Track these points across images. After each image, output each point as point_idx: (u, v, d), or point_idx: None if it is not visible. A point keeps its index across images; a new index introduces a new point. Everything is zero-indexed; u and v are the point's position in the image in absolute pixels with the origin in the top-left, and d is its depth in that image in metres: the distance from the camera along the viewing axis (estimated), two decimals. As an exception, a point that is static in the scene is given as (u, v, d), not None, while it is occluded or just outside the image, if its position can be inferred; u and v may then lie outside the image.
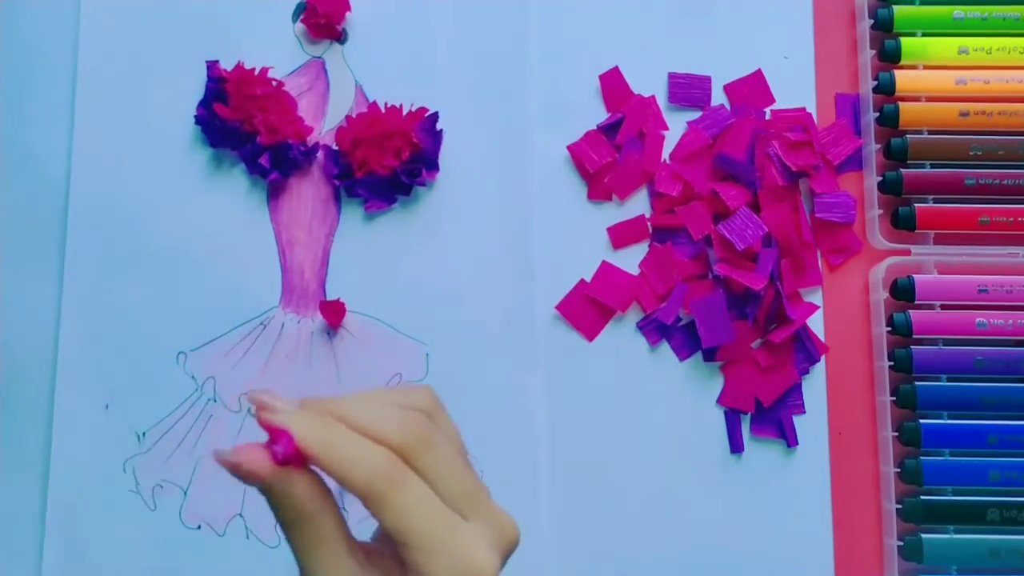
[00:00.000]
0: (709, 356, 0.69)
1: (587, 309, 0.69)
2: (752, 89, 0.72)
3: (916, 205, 0.69)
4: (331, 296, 0.69)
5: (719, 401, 0.69)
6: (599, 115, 0.72)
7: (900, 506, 0.66)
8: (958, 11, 0.71)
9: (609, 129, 0.71)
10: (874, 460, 0.68)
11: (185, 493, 0.67)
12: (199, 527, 0.66)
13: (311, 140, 0.70)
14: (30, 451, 0.63)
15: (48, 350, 0.68)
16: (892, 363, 0.68)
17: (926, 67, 0.71)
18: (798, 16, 0.73)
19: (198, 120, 0.70)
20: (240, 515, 0.66)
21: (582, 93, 0.72)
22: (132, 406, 0.67)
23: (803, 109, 0.71)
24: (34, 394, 0.68)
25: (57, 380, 0.68)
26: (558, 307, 0.69)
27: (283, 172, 0.70)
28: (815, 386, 0.69)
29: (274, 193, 0.70)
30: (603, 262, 0.70)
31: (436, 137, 0.70)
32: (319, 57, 0.72)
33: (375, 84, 0.72)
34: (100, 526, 0.66)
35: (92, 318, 0.68)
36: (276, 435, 0.39)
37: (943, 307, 0.69)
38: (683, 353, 0.69)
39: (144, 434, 0.67)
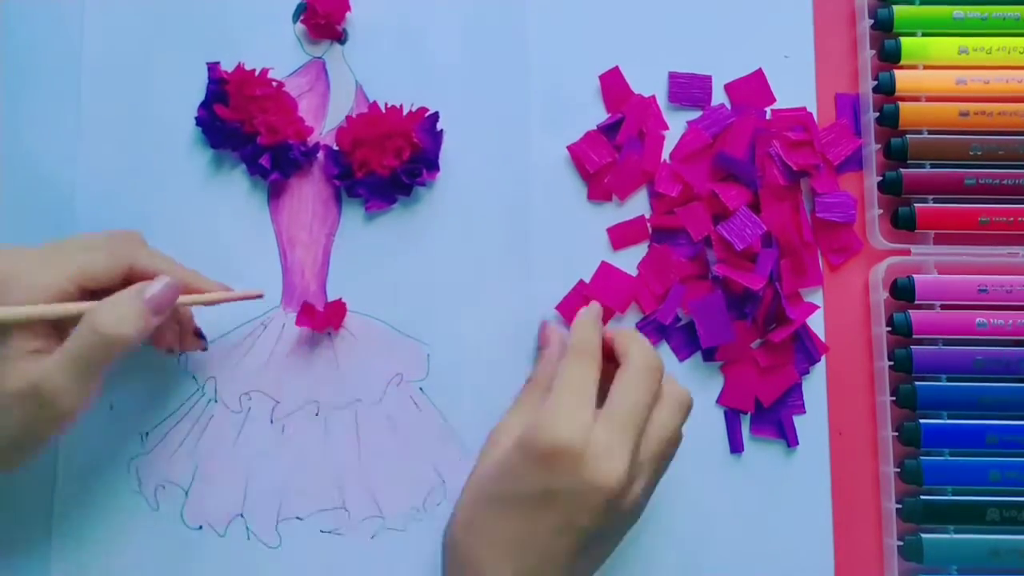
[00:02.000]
0: (709, 356, 0.69)
1: (587, 309, 0.69)
2: (752, 89, 0.72)
3: (916, 205, 0.69)
4: (332, 296, 0.69)
5: (719, 401, 0.69)
6: (599, 115, 0.72)
7: (900, 506, 0.66)
8: (958, 11, 0.71)
9: (609, 129, 0.71)
10: (874, 460, 0.68)
11: (186, 493, 0.67)
12: (200, 527, 0.67)
13: (311, 140, 0.70)
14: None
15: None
16: (892, 363, 0.68)
17: (926, 67, 0.71)
18: (798, 16, 0.73)
19: (199, 121, 0.70)
20: (241, 515, 0.67)
21: (582, 93, 0.72)
22: (135, 407, 0.67)
23: (803, 109, 0.71)
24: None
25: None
26: (558, 307, 0.69)
27: (284, 172, 0.70)
28: (815, 386, 0.69)
29: (275, 193, 0.70)
30: (602, 263, 0.70)
31: (436, 137, 0.70)
32: (319, 57, 0.72)
33: (375, 84, 0.72)
34: (105, 526, 0.66)
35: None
36: None
37: (943, 307, 0.69)
38: (682, 353, 0.69)
39: (147, 434, 0.67)
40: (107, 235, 0.62)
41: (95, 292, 0.59)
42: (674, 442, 0.61)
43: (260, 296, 0.66)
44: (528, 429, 0.57)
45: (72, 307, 0.57)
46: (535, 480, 0.55)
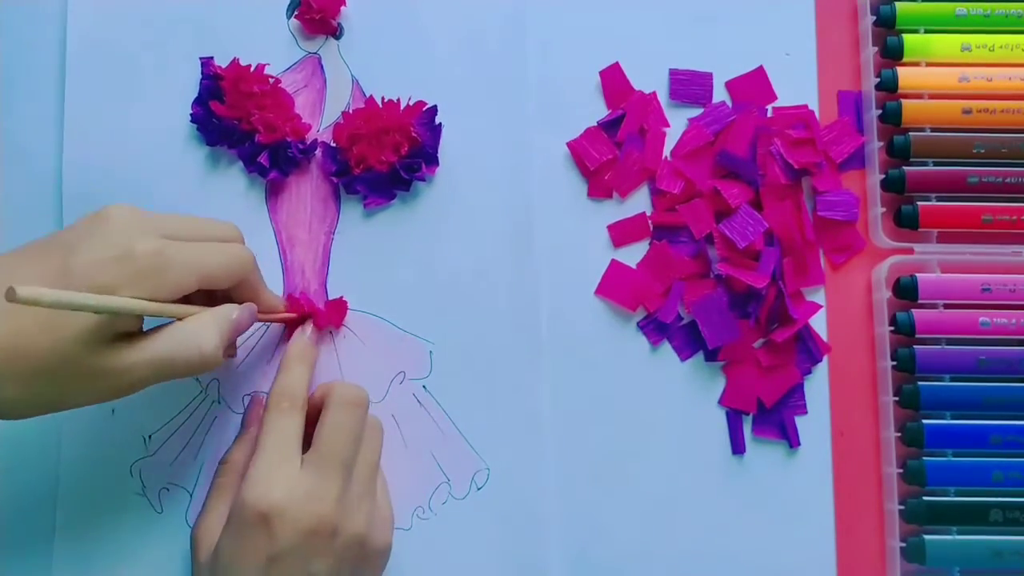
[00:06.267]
0: (711, 356, 0.69)
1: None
2: (754, 86, 0.71)
3: (919, 203, 0.69)
4: (333, 294, 0.69)
5: (720, 402, 0.69)
6: (599, 111, 0.71)
7: (903, 507, 0.67)
8: (960, 7, 0.70)
9: (609, 126, 0.71)
10: (876, 461, 0.69)
11: (191, 495, 0.66)
12: (203, 529, 0.66)
13: (309, 137, 0.70)
14: (38, 455, 0.63)
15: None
16: (895, 363, 0.68)
17: (929, 64, 0.71)
18: (800, 13, 0.72)
19: (194, 118, 0.69)
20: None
21: (582, 89, 0.72)
22: (137, 410, 0.67)
23: (805, 106, 0.71)
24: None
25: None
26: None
27: (282, 170, 0.69)
28: (817, 386, 0.69)
29: (272, 192, 0.70)
30: (612, 260, 0.69)
31: (435, 131, 0.70)
32: (314, 53, 0.71)
33: (372, 79, 0.71)
34: (108, 528, 0.66)
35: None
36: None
37: (946, 306, 0.69)
38: (684, 353, 0.69)
39: (150, 437, 0.67)
40: (239, 247, 0.61)
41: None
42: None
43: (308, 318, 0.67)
44: (237, 499, 0.57)
45: (178, 309, 0.56)
46: (256, 549, 0.55)
